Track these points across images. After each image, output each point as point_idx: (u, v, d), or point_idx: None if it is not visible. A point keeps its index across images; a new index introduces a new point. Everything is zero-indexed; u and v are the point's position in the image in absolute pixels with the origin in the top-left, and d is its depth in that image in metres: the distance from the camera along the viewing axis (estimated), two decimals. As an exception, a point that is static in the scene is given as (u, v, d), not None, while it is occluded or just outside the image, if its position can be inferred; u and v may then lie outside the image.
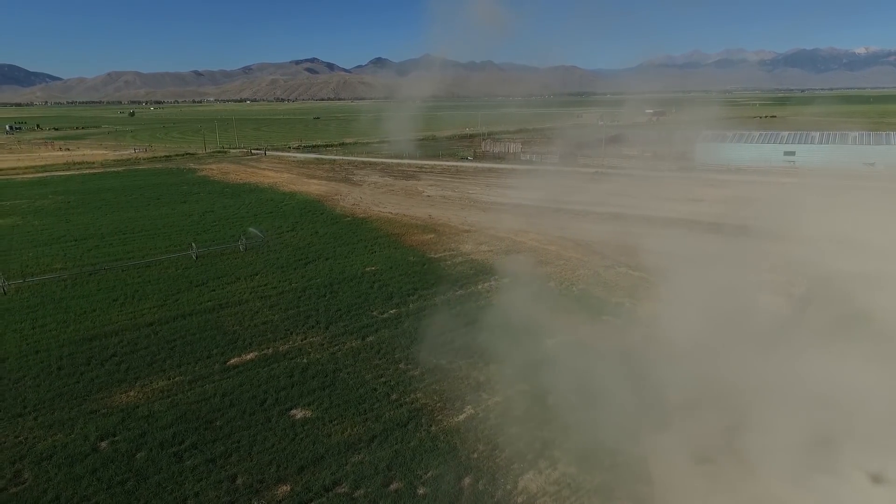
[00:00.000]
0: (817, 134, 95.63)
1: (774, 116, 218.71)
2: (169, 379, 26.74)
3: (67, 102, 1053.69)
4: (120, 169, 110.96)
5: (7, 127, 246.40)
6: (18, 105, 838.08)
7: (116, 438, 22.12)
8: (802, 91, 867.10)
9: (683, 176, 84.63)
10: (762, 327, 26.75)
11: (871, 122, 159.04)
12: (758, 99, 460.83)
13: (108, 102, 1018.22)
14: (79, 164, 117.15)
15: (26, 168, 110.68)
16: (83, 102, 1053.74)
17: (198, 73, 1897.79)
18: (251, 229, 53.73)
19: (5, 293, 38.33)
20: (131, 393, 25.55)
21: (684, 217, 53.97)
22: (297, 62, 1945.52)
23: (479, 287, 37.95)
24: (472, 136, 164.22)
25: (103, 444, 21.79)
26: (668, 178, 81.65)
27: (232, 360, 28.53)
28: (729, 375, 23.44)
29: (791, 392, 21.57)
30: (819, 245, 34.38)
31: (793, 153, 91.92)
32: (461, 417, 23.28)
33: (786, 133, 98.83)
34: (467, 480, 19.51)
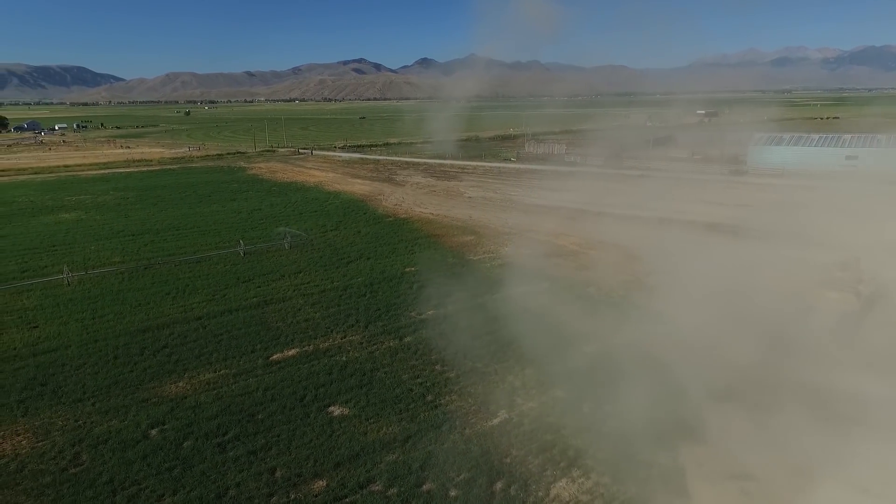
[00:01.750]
0: (883, 137, 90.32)
1: (837, 118, 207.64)
2: (215, 372, 27.90)
3: (129, 102, 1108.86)
4: (175, 167, 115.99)
5: (75, 125, 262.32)
6: (85, 105, 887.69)
7: (165, 427, 23.28)
8: (870, 90, 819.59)
9: (734, 180, 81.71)
10: (801, 338, 25.75)
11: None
12: (819, 99, 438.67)
13: (165, 102, 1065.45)
14: (138, 161, 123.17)
15: (90, 165, 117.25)
16: (143, 102, 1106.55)
17: (250, 74, 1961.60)
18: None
19: (69, 284, 40.83)
20: (180, 384, 26.81)
21: (732, 223, 52.09)
22: (345, 63, 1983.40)
23: (518, 291, 37.80)
24: (515, 136, 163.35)
25: (153, 432, 22.99)
26: (718, 182, 78.97)
27: (274, 356, 29.51)
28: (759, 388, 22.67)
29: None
30: (872, 254, 32.78)
31: (855, 157, 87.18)
32: (495, 421, 23.34)
33: (848, 136, 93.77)
34: (499, 485, 19.57)
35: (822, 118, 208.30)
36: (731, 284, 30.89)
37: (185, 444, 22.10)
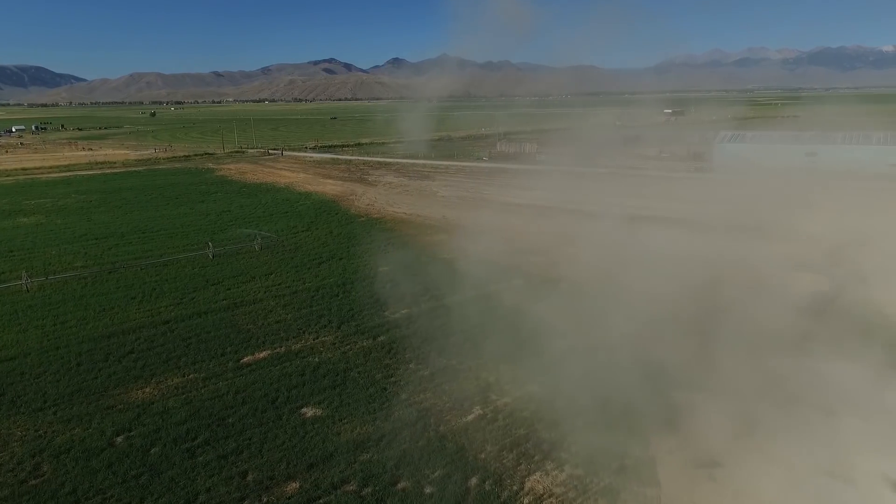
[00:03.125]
0: (840, 134, 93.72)
1: (797, 116, 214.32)
2: (184, 376, 27.26)
3: (91, 103, 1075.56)
4: (140, 168, 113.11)
5: (33, 127, 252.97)
6: (44, 105, 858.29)
7: (132, 434, 22.64)
8: (827, 90, 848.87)
9: (700, 177, 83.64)
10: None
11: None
12: (780, 98, 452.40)
13: (130, 103, 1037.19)
14: (101, 163, 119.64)
15: (51, 167, 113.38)
16: (106, 103, 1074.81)
17: (217, 74, 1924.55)
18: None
19: (28, 290, 39.37)
20: (147, 389, 26.11)
21: (699, 218, 53.22)
22: (315, 63, 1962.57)
23: (491, 288, 37.95)
24: (487, 136, 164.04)
25: (119, 439, 22.32)
26: (685, 179, 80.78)
27: (245, 359, 28.99)
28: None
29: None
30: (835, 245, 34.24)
31: (815, 153, 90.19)
32: (469, 418, 23.39)
33: (807, 133, 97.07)
34: (474, 481, 19.60)
35: (782, 117, 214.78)
36: (703, 276, 31.70)
37: (152, 451, 21.52)
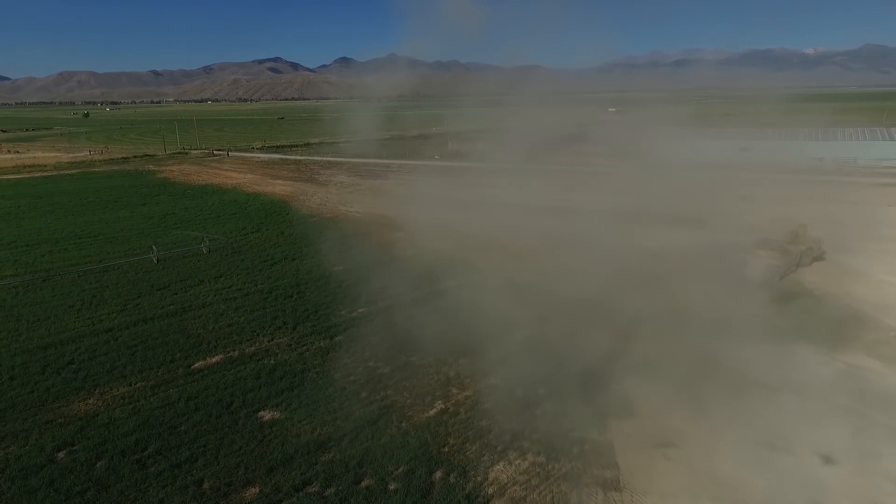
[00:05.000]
0: (771, 131, 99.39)
1: (730, 114, 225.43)
2: (130, 385, 25.97)
3: (16, 103, 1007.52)
4: (74, 172, 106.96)
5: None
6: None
7: (75, 448, 21.38)
8: (757, 90, 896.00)
9: (642, 172, 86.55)
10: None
11: (825, 119, 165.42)
12: (715, 97, 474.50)
13: (60, 103, 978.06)
14: (29, 167, 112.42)
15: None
16: (33, 103, 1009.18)
17: (156, 73, 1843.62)
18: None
19: (-49, 302, 36.52)
20: (90, 401, 24.73)
21: (644, 210, 55.09)
22: (260, 62, 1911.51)
23: (448, 284, 38.00)
24: (438, 135, 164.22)
25: (61, 455, 21.04)
26: (628, 174, 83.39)
27: (196, 364, 27.91)
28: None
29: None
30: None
31: (748, 149, 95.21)
32: (432, 413, 23.36)
33: (742, 130, 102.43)
34: (438, 474, 19.60)
35: (718, 115, 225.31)
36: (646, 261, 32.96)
37: (98, 465, 20.39)
